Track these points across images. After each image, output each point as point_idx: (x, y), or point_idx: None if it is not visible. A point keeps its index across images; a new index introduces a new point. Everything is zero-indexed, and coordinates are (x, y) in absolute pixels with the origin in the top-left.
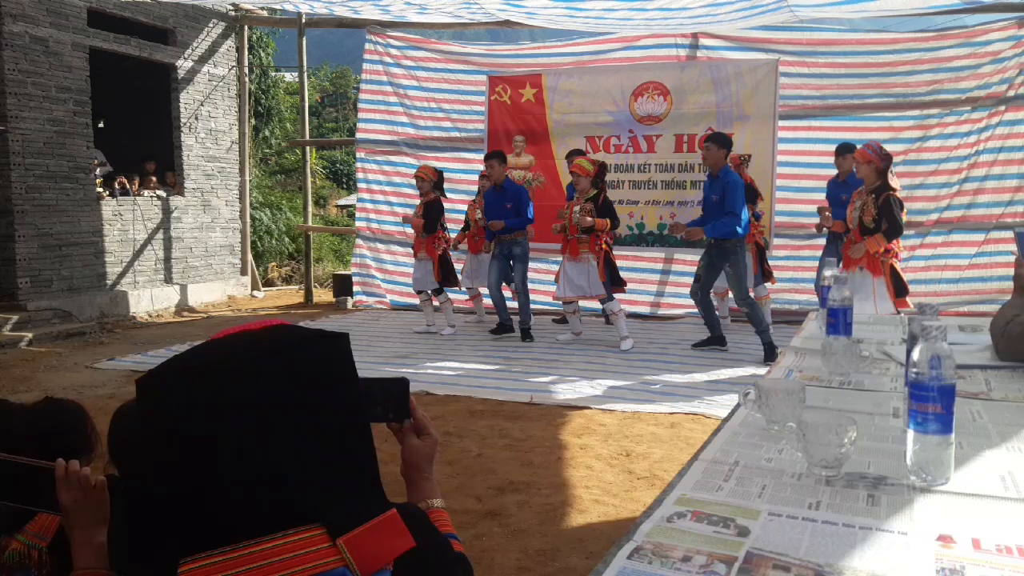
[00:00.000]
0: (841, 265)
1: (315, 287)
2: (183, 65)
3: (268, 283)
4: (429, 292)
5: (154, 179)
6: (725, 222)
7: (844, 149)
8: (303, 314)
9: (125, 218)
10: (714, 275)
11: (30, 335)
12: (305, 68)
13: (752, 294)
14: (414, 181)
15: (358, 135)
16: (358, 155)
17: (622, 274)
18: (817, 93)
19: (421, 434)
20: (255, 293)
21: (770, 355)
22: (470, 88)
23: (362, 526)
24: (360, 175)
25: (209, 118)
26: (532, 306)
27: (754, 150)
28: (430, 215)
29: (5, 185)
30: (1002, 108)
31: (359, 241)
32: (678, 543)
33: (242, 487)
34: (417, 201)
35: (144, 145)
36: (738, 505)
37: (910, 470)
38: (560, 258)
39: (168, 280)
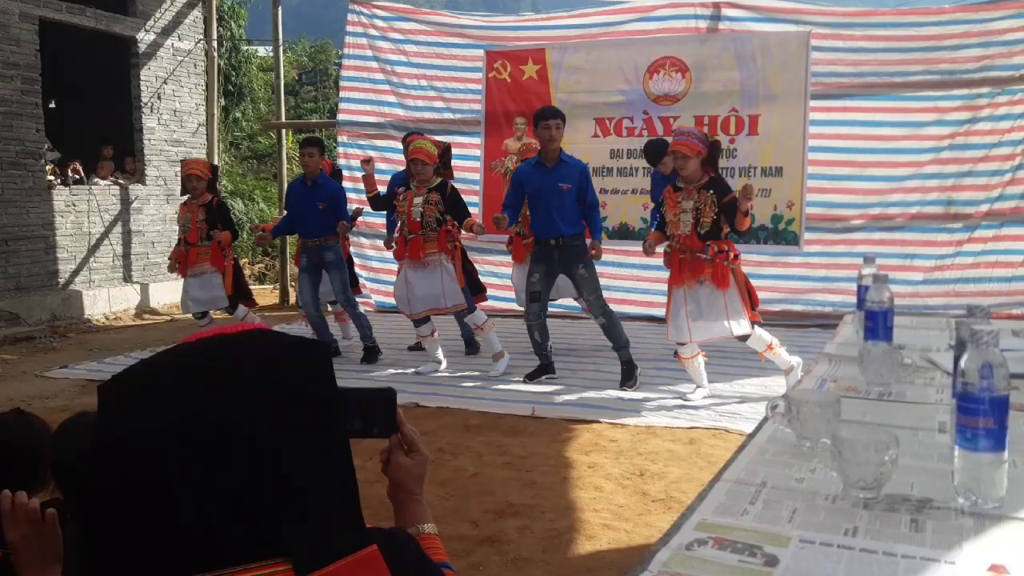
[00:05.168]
0: (669, 282)
1: (291, 286)
2: (144, 38)
3: None
4: (211, 313)
5: (111, 165)
6: (597, 215)
7: (659, 153)
8: (279, 317)
9: (79, 209)
10: (552, 284)
11: None
12: (280, 42)
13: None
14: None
15: (340, 117)
16: (340, 139)
17: (634, 273)
18: (853, 70)
19: (410, 451)
20: None
21: (627, 377)
22: (465, 64)
23: (334, 563)
24: (342, 161)
25: (173, 97)
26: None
27: (782, 133)
28: (223, 218)
29: None
30: None
31: None
32: (698, 573)
33: (206, 509)
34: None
35: (101, 127)
36: (766, 531)
37: (958, 492)
38: None
39: (127, 279)
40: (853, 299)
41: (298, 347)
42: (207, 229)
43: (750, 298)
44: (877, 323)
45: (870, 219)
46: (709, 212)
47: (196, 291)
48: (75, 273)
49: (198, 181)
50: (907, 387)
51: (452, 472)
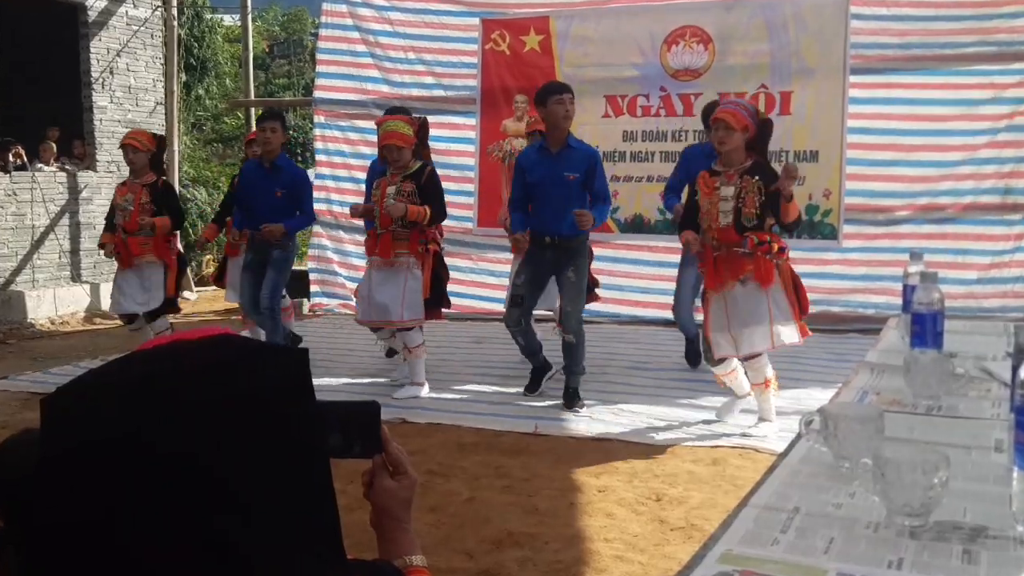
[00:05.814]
0: (703, 283)
1: None
2: (94, 5)
3: (202, 282)
4: (143, 315)
5: (53, 147)
6: (603, 209)
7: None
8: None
9: (21, 199)
10: (540, 289)
11: None
12: (249, 9)
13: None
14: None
15: (316, 94)
16: (316, 119)
17: (650, 272)
18: (898, 41)
19: (396, 473)
20: (186, 294)
21: (572, 401)
22: (458, 35)
23: None
24: (319, 145)
25: (127, 72)
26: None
27: (818, 112)
28: (169, 204)
29: None
30: None
31: (317, 228)
32: None
33: (164, 532)
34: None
35: (45, 106)
36: (799, 563)
37: (1017, 519)
38: None
39: (76, 278)
40: (898, 300)
41: (269, 353)
42: (152, 214)
43: (799, 301)
44: (925, 327)
45: (917, 210)
46: (753, 201)
47: (133, 288)
48: (16, 271)
49: (135, 153)
50: (959, 400)
51: (444, 496)
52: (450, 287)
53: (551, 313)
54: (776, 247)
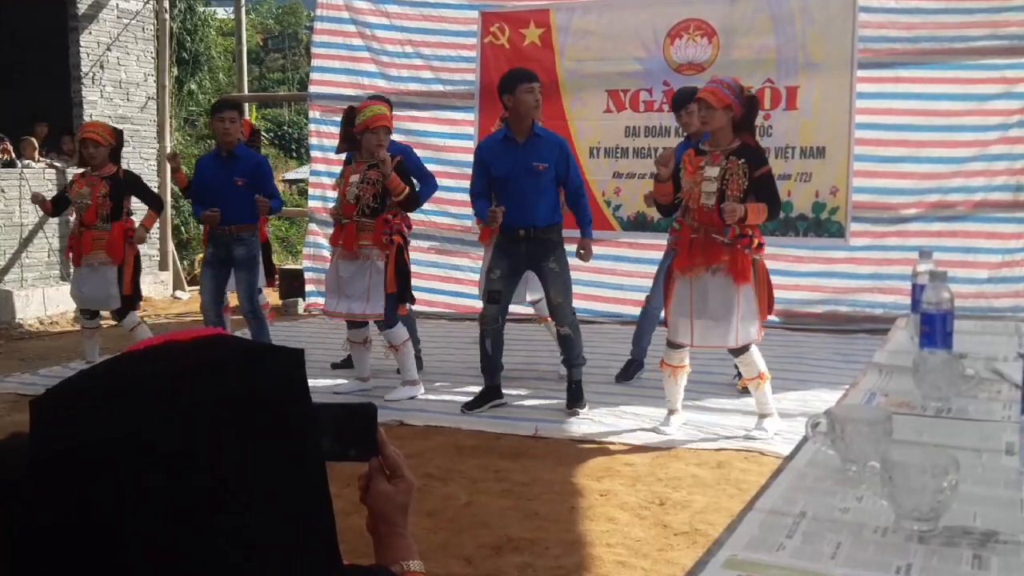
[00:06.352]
0: (671, 265)
1: None
2: None
3: (195, 281)
4: (112, 314)
5: (35, 143)
6: (584, 205)
7: (685, 98)
8: (240, 321)
9: (9, 196)
10: (515, 284)
11: None
12: (243, 2)
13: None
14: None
15: (311, 89)
16: (311, 115)
17: (653, 271)
18: (907, 34)
19: (393, 477)
20: (178, 294)
21: (576, 399)
22: (457, 28)
23: None
24: (314, 140)
25: (118, 66)
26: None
27: (825, 108)
28: (140, 192)
29: None
30: None
31: (312, 226)
32: None
33: (164, 532)
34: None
35: (34, 101)
36: (805, 568)
37: None
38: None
39: (65, 277)
40: (907, 300)
41: (263, 353)
42: (110, 207)
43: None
44: (935, 328)
45: (927, 207)
46: (737, 184)
47: (87, 286)
48: (5, 271)
49: (96, 147)
50: (969, 402)
51: (442, 501)
52: (450, 287)
53: (533, 312)
54: (756, 242)
